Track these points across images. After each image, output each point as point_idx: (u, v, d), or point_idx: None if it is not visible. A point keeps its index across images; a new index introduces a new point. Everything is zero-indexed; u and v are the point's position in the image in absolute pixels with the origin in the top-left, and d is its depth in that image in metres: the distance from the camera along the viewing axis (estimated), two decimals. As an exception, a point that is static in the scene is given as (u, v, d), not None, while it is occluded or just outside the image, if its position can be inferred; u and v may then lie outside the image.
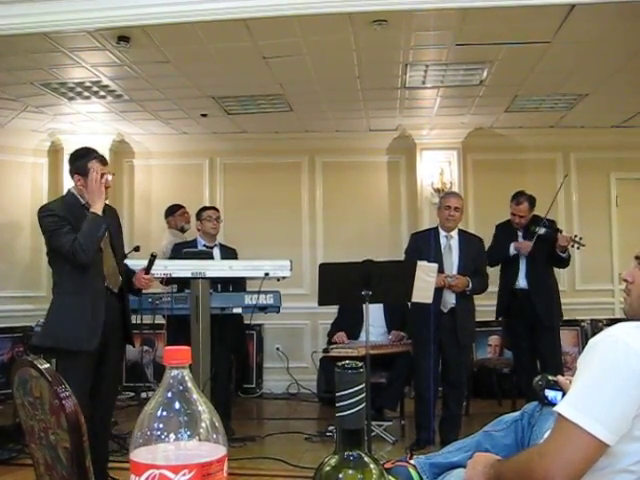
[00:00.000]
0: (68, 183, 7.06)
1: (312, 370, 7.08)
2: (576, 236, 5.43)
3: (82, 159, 3.73)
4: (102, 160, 3.78)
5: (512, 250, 5.53)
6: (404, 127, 7.35)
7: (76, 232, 3.56)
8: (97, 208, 3.62)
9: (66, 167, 7.49)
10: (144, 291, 4.22)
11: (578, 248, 5.48)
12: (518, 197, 5.56)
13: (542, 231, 5.41)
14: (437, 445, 4.81)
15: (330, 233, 7.68)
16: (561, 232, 5.46)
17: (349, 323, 5.80)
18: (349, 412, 0.86)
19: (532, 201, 5.57)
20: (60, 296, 3.66)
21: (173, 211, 7.00)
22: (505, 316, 5.88)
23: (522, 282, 5.54)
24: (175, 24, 4.42)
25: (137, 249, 4.16)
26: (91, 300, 3.63)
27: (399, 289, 4.50)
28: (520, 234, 5.59)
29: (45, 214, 3.65)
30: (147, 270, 3.92)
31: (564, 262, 5.53)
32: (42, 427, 1.53)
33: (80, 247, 3.51)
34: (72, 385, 3.65)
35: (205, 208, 6.07)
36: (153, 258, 3.95)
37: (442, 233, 5.19)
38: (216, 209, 6.02)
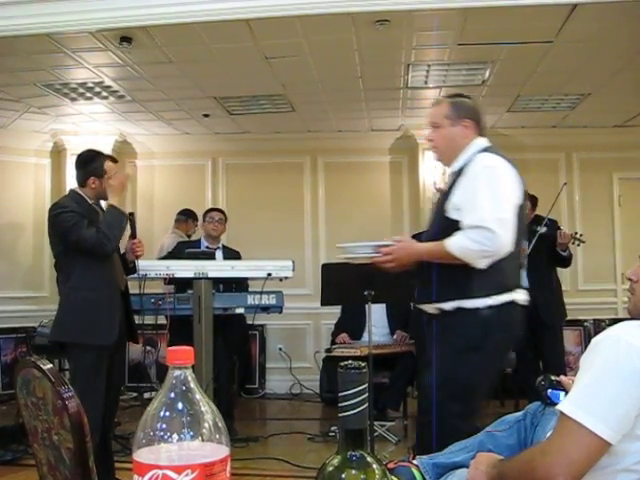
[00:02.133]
0: (71, 184, 7.11)
1: (315, 370, 7.08)
2: (576, 233, 5.45)
3: (96, 161, 3.76)
4: (114, 159, 3.89)
5: None
6: (406, 127, 7.35)
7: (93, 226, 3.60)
8: (116, 202, 3.69)
9: (69, 168, 7.54)
10: (147, 291, 4.25)
11: (579, 245, 5.50)
12: None
13: (543, 230, 5.42)
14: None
15: (332, 233, 7.67)
16: (563, 230, 5.47)
17: (352, 323, 5.80)
18: (352, 412, 0.86)
19: (534, 201, 5.57)
20: (76, 291, 3.61)
21: (194, 217, 6.88)
22: None
23: (524, 282, 5.53)
24: (177, 25, 4.43)
25: (131, 215, 4.13)
26: (108, 295, 3.66)
27: (402, 289, 4.49)
28: None
29: (60, 211, 3.64)
30: (133, 235, 3.90)
31: (566, 261, 5.53)
32: (45, 427, 1.53)
33: (106, 237, 3.55)
34: (92, 381, 3.69)
35: (210, 210, 6.07)
36: (132, 217, 3.91)
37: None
38: (220, 211, 5.99)
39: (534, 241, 5.45)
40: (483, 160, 2.73)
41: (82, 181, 3.77)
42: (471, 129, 2.87)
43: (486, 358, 2.68)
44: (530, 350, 5.54)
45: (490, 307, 2.65)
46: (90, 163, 3.77)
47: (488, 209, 2.60)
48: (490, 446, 2.00)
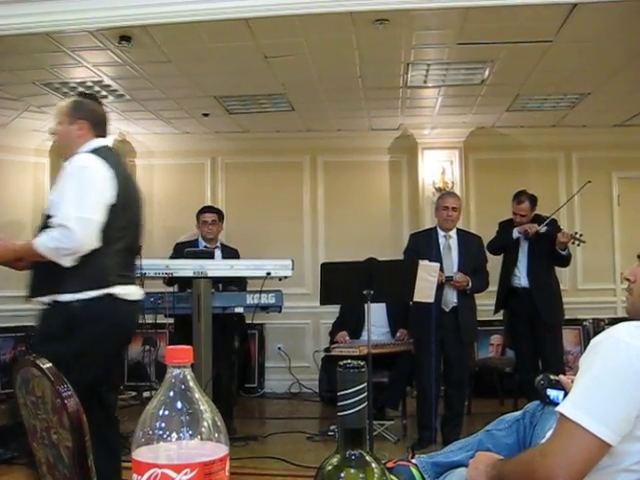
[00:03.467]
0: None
1: (314, 369, 7.08)
2: (576, 233, 5.43)
3: None
4: None
5: (515, 234, 5.51)
6: (406, 126, 7.35)
7: None
8: None
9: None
10: (148, 290, 4.25)
11: (579, 245, 5.47)
12: (519, 196, 5.57)
13: (543, 229, 5.42)
14: (439, 444, 4.81)
15: (332, 232, 7.68)
16: (562, 230, 5.45)
17: (351, 322, 5.80)
18: (351, 411, 0.86)
19: (533, 200, 5.58)
20: None
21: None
22: (506, 314, 5.89)
23: (523, 281, 5.54)
24: (177, 24, 4.43)
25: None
26: None
27: (401, 288, 4.50)
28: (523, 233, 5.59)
29: None
30: None
31: (565, 260, 5.52)
32: (44, 426, 1.53)
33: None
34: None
35: (202, 210, 5.96)
36: None
37: (441, 233, 5.20)
38: (213, 211, 5.91)
39: (533, 240, 5.46)
40: (77, 161, 2.90)
41: None
42: (86, 130, 3.03)
43: (74, 349, 2.79)
44: (529, 349, 5.55)
45: (79, 300, 2.81)
46: None
47: (70, 208, 2.77)
48: (489, 445, 2.00)
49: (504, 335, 6.71)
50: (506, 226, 5.73)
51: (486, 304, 5.74)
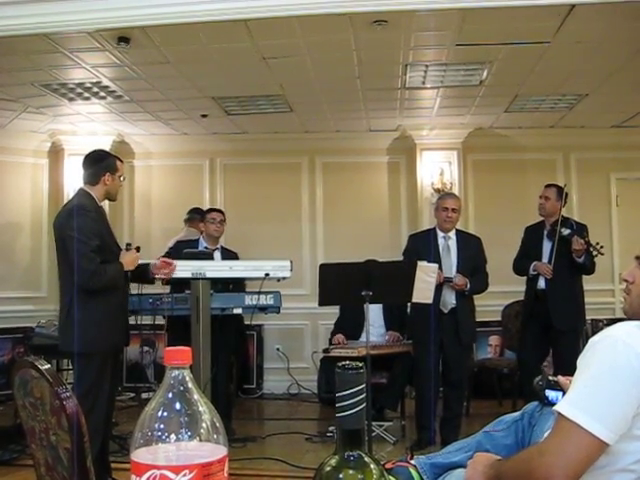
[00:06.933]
0: (68, 184, 7.12)
1: (312, 370, 7.08)
2: (597, 243, 5.10)
3: (109, 158, 3.90)
4: (120, 159, 4.06)
5: (531, 271, 5.30)
6: (404, 127, 7.35)
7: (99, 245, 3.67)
8: (126, 266, 3.81)
9: (67, 168, 7.53)
10: (145, 290, 4.30)
11: (596, 255, 5.14)
12: (548, 184, 5.46)
13: (566, 232, 5.15)
14: (438, 445, 4.80)
15: (330, 233, 7.67)
16: (585, 237, 5.11)
17: (350, 323, 5.80)
18: (349, 412, 0.86)
19: (560, 191, 5.33)
20: (88, 299, 3.59)
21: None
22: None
23: (542, 283, 5.29)
24: (175, 25, 4.43)
25: (138, 250, 4.15)
26: (120, 299, 3.73)
27: (399, 289, 4.50)
28: (546, 232, 5.35)
29: (84, 212, 3.65)
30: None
31: (583, 268, 5.24)
32: (43, 428, 1.53)
33: (99, 275, 3.60)
34: (103, 385, 3.78)
35: (210, 210, 6.06)
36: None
37: (440, 234, 5.19)
38: (221, 211, 5.98)
39: (556, 243, 5.17)
40: None
41: (94, 179, 3.79)
42: None
43: None
44: (535, 351, 5.32)
45: None
46: (104, 160, 3.87)
47: None
48: (488, 446, 2.00)
49: (502, 336, 6.71)
50: (532, 231, 5.49)
51: (485, 305, 5.73)
